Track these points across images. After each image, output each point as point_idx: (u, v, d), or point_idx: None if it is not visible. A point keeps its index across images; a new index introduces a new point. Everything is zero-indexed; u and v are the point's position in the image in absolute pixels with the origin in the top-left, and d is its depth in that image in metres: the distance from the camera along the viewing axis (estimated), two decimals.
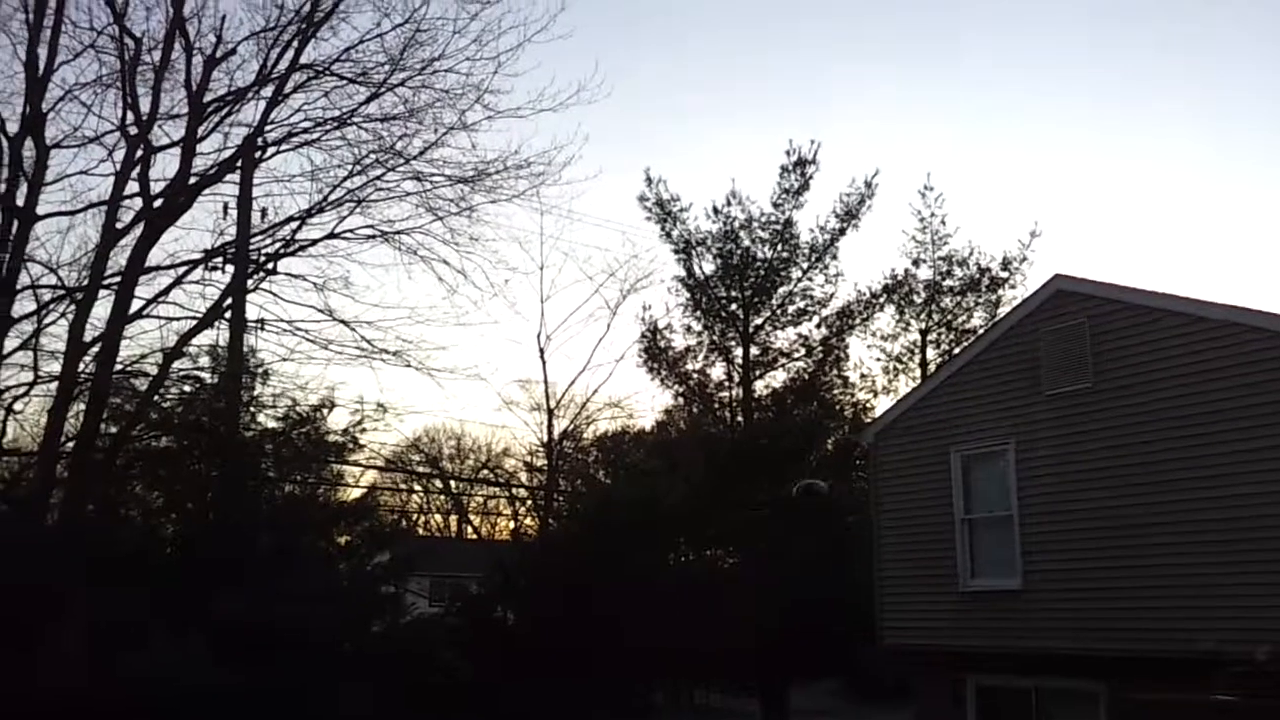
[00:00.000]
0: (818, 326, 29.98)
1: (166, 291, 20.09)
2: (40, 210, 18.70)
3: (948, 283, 31.62)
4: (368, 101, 20.48)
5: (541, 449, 32.67)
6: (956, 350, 26.35)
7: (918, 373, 31.15)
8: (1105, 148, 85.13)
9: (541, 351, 31.01)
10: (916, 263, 31.77)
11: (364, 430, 19.83)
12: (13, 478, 20.03)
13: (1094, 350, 14.39)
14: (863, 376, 31.93)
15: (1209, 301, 13.60)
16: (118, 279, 19.09)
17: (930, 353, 31.36)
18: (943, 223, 32.12)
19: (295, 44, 20.05)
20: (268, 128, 20.56)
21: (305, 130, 20.67)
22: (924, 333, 31.75)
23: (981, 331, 21.93)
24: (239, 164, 20.70)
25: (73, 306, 18.90)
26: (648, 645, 20.85)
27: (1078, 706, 14.27)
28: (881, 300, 30.81)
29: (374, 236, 21.52)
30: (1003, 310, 28.16)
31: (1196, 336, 13.37)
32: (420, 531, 48.10)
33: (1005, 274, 31.42)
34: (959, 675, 16.08)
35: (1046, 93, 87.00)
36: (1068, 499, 14.49)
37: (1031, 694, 15.27)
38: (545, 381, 31.49)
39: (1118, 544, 13.84)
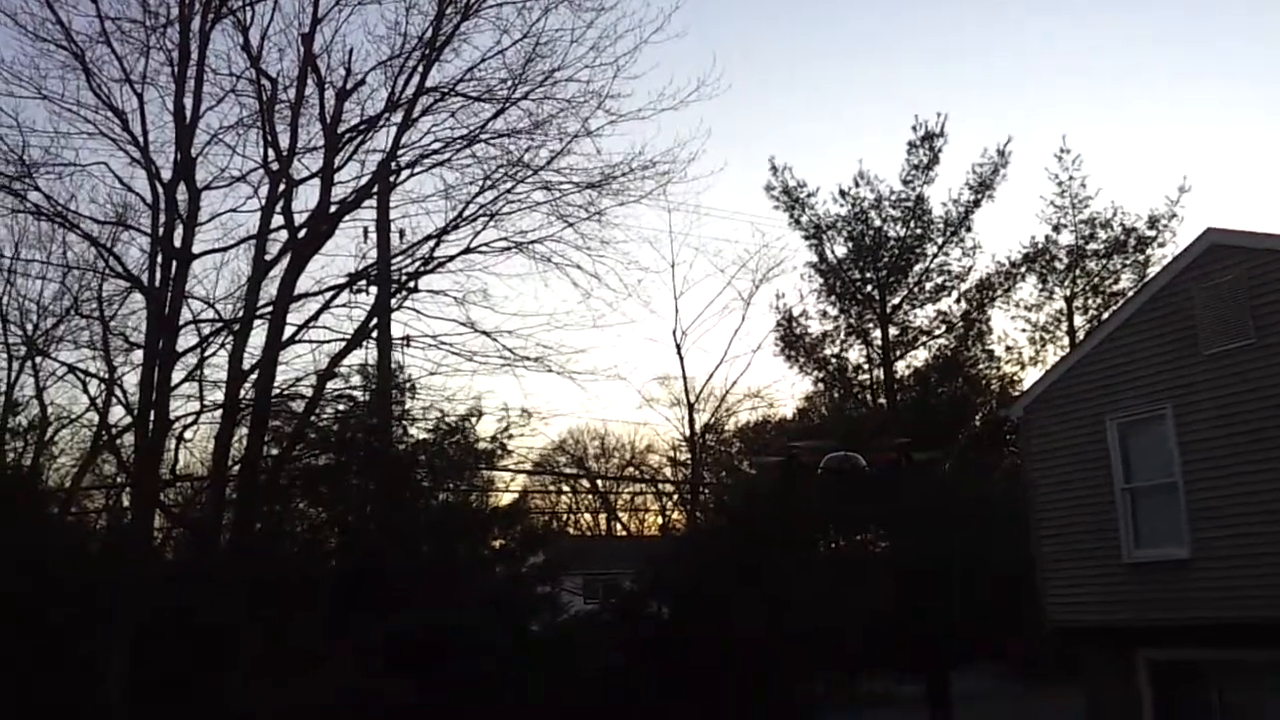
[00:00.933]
0: (957, 301, 29.32)
1: (316, 316, 20.92)
2: (195, 249, 19.68)
3: (1091, 246, 30.54)
4: (494, 118, 20.91)
5: (684, 444, 32.87)
6: (1105, 316, 25.41)
7: (1065, 341, 30.18)
8: (1255, 95, 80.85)
9: (678, 347, 31.30)
10: (1057, 228, 30.80)
11: (511, 436, 20.30)
12: (186, 503, 21.18)
13: (1254, 304, 13.76)
14: (1008, 349, 31.13)
15: None
16: (270, 308, 19.97)
17: (1078, 320, 30.36)
18: (1082, 185, 31.05)
19: (420, 69, 20.61)
20: (400, 151, 21.19)
21: (435, 151, 21.24)
22: (1069, 300, 30.75)
23: (1131, 294, 21.15)
24: (375, 189, 21.39)
25: (230, 337, 19.87)
26: (803, 634, 20.77)
27: (1256, 677, 13.68)
28: (1022, 270, 29.95)
29: (508, 248, 21.96)
30: (1152, 270, 27.04)
31: None
32: (571, 531, 48.92)
33: (1153, 233, 30.19)
34: (1128, 650, 15.58)
35: (1183, 39, 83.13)
36: (1234, 462, 13.91)
37: (1207, 667, 14.72)
38: (684, 376, 31.66)
39: None
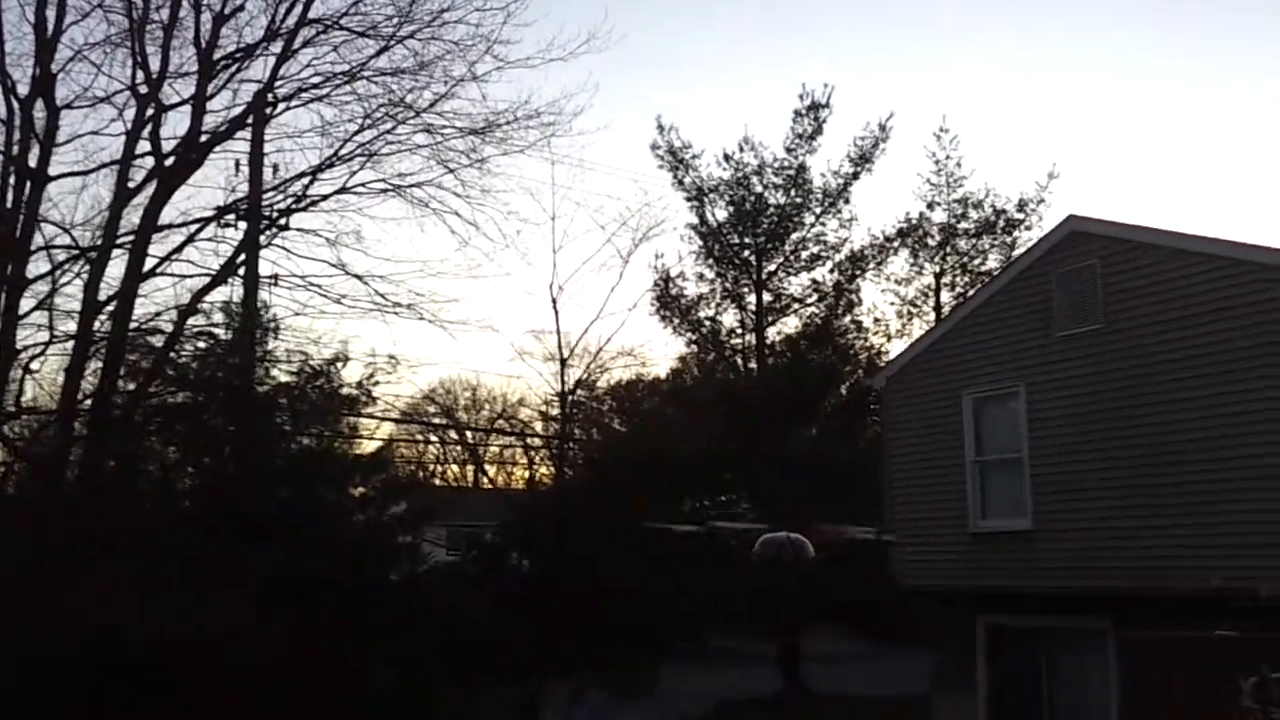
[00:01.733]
0: (831, 272, 30.05)
1: (180, 249, 20.20)
2: (52, 171, 18.78)
3: (963, 225, 31.54)
4: (377, 55, 20.43)
5: (556, 399, 32.87)
6: (971, 293, 26.30)
7: (932, 316, 31.15)
8: (1127, 87, 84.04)
9: (554, 301, 31.15)
10: (931, 206, 31.72)
11: (377, 383, 19.95)
12: (32, 436, 20.29)
13: (1106, 291, 14.36)
14: (876, 321, 31.99)
15: (1224, 240, 13.55)
16: (131, 238, 19.21)
17: (945, 296, 31.36)
18: (958, 165, 32.00)
19: None
20: (277, 83, 20.55)
21: (315, 85, 20.65)
22: (938, 276, 31.72)
23: (995, 274, 21.89)
24: (249, 120, 20.69)
25: (87, 266, 19.04)
26: (663, 591, 21.10)
27: (1086, 644, 14.43)
28: (895, 244, 30.80)
29: (386, 191, 21.54)
30: (1018, 253, 28.04)
31: (1209, 275, 13.32)
32: (437, 482, 48.54)
33: (1021, 216, 31.34)
34: (969, 614, 16.28)
35: (1064, 29, 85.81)
36: (1078, 440, 14.56)
37: (1041, 632, 15.46)
38: (558, 331, 31.57)
39: (1127, 484, 13.91)
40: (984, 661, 16.32)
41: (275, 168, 21.49)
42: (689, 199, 29.34)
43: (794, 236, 29.25)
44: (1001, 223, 31.09)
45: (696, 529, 21.85)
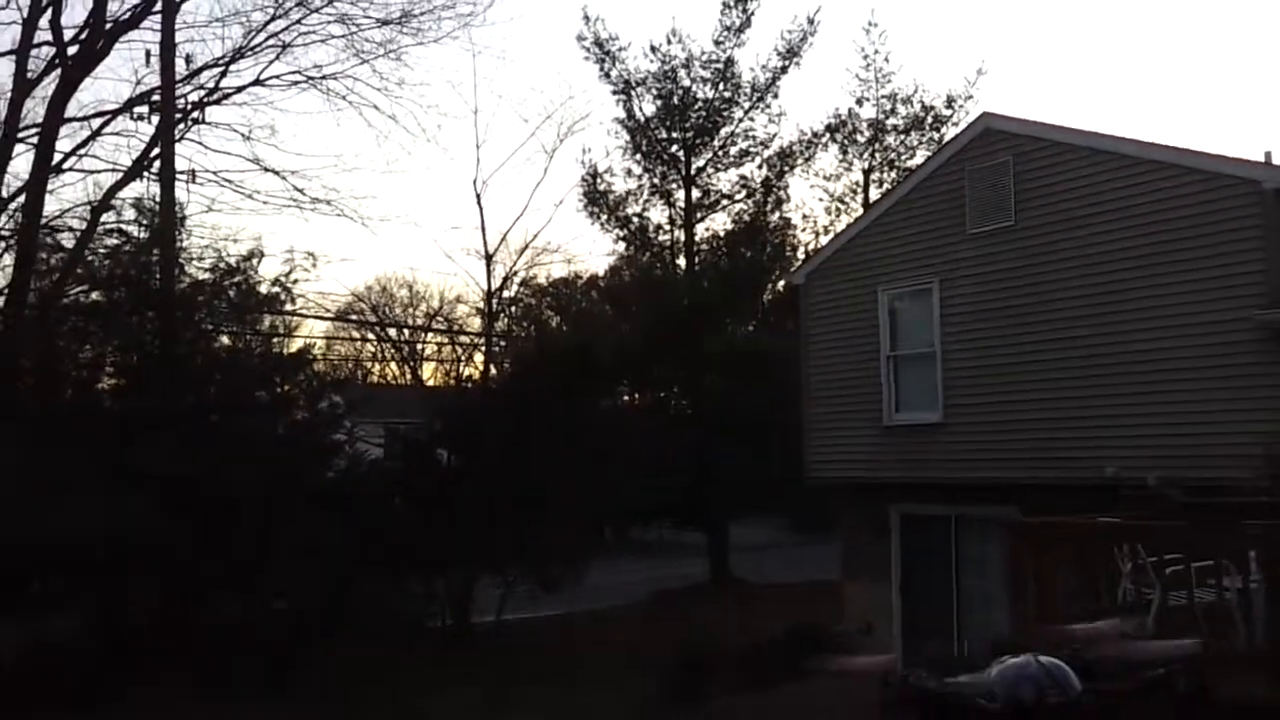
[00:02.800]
0: (759, 167, 29.92)
1: (87, 143, 19.71)
2: None
3: (891, 121, 31.49)
4: None
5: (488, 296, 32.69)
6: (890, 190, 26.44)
7: (860, 213, 31.25)
8: None
9: (478, 197, 30.88)
10: (860, 101, 31.58)
11: (295, 280, 19.78)
12: None
13: (1017, 189, 14.53)
14: (805, 217, 32.09)
15: (1133, 140, 13.70)
16: (36, 131, 18.63)
17: (873, 192, 31.40)
18: (886, 60, 31.86)
19: None
20: None
21: None
22: (867, 172, 31.76)
23: (909, 172, 21.98)
24: (155, 8, 20.01)
25: None
26: (591, 484, 21.42)
27: (986, 531, 14.94)
28: (824, 140, 30.70)
29: (300, 83, 21.09)
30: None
31: (1117, 174, 13.51)
32: (375, 380, 48.27)
33: (949, 112, 31.34)
34: (882, 504, 16.76)
35: None
36: (987, 335, 14.86)
37: (950, 521, 15.98)
38: (483, 228, 31.33)
39: (1033, 378, 14.28)
40: (896, 549, 16.88)
41: (188, 58, 20.92)
42: (616, 92, 28.96)
43: (723, 132, 29.04)
44: (930, 119, 31.11)
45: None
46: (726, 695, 15.15)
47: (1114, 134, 13.89)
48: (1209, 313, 12.55)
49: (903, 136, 31.55)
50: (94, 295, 18.71)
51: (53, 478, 15.08)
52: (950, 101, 31.23)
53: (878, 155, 31.62)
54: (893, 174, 31.28)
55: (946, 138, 30.79)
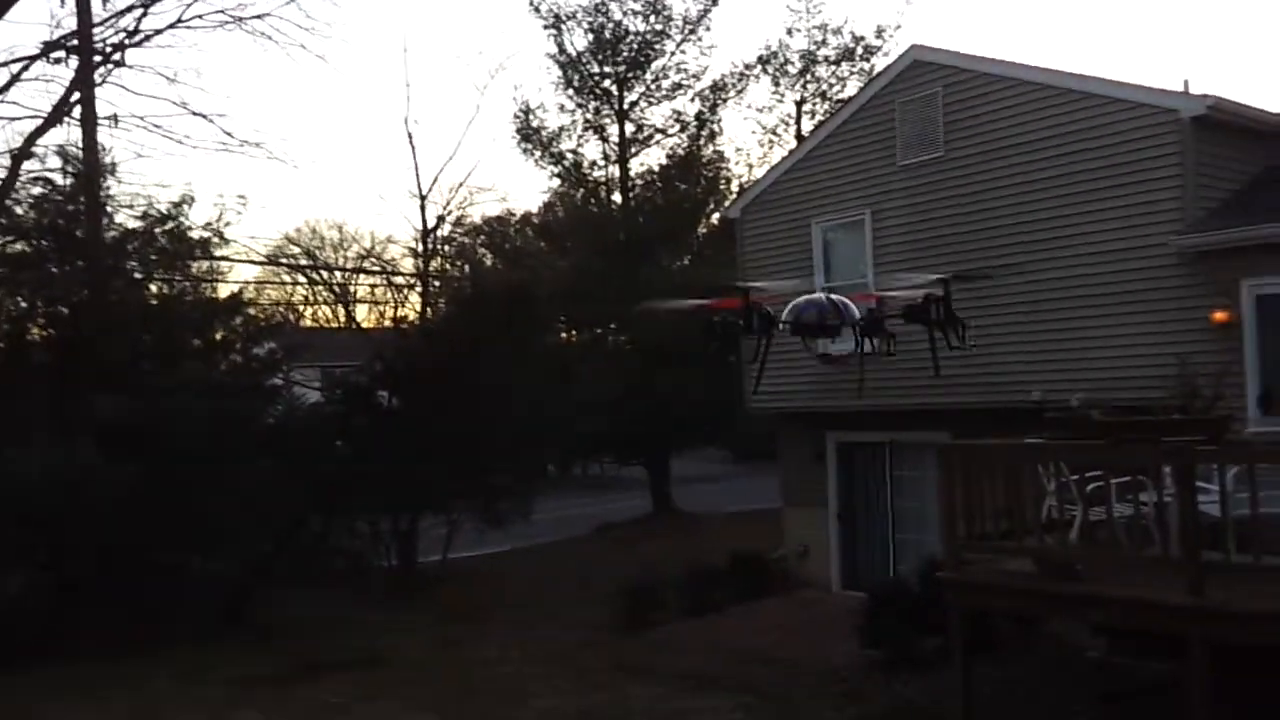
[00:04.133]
0: (692, 101, 29.93)
1: (5, 88, 19.13)
2: None
3: (822, 52, 31.62)
4: None
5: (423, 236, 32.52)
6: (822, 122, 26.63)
7: (794, 145, 31.44)
8: None
9: (410, 136, 30.56)
10: (790, 32, 31.63)
11: (227, 224, 19.53)
12: None
13: (946, 120, 14.79)
14: (738, 150, 32.24)
15: (1058, 70, 13.98)
16: None
17: (805, 124, 31.61)
18: None
19: None
20: None
21: None
22: (799, 104, 31.91)
23: (840, 104, 22.15)
24: None
25: None
26: (532, 421, 21.61)
27: (919, 455, 15.43)
28: (755, 72, 30.77)
29: (226, 23, 20.62)
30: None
31: (1042, 104, 13.83)
32: (308, 323, 47.80)
33: (879, 43, 31.51)
34: (819, 433, 17.19)
35: None
36: (920, 266, 15.12)
37: (885, 447, 16.46)
38: (415, 167, 30.99)
39: (963, 306, 14.62)
40: (833, 475, 17.37)
41: None
42: (547, 27, 28.70)
43: (655, 65, 28.95)
44: (860, 50, 31.30)
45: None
46: (673, 622, 15.60)
47: (1040, 65, 14.19)
48: (1130, 239, 12.99)
49: (834, 67, 31.72)
50: (19, 246, 18.33)
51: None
52: (880, 32, 31.45)
53: (809, 87, 31.78)
54: (825, 105, 31.49)
55: (877, 68, 31.04)
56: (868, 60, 31.31)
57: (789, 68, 31.42)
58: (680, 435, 30.39)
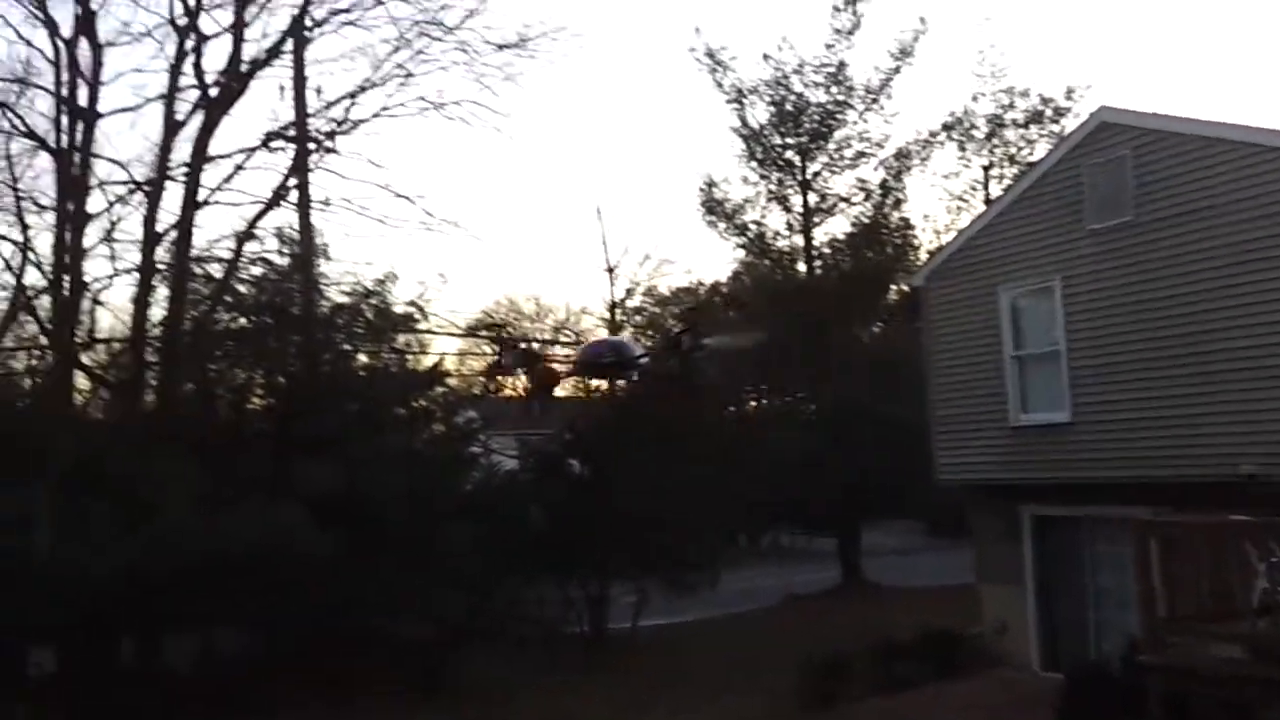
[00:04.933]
0: (876, 169, 29.80)
1: (231, 177, 20.84)
2: (101, 109, 19.44)
3: (1009, 115, 30.90)
4: None
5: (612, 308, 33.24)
6: (1007, 188, 26.04)
7: (981, 210, 30.85)
8: None
9: (598, 211, 31.40)
10: (976, 98, 31.09)
11: (428, 299, 20.60)
12: (109, 363, 21.29)
13: (1136, 183, 14.27)
14: (925, 217, 31.79)
15: (1253, 127, 13.37)
16: (184, 169, 19.82)
17: (994, 189, 30.90)
18: (1002, 54, 31.38)
19: None
20: (311, 6, 20.89)
21: (347, 10, 20.95)
22: (986, 169, 31.27)
23: (1027, 169, 21.62)
24: (287, 46, 21.08)
25: (144, 199, 19.73)
26: (722, 491, 21.69)
27: (1122, 531, 14.70)
28: (941, 138, 30.36)
29: (426, 109, 21.95)
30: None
31: (1240, 165, 13.16)
32: (506, 392, 49.31)
33: (1069, 103, 30.60)
34: (1013, 506, 16.61)
35: None
36: (1114, 332, 14.62)
37: (1083, 521, 15.76)
38: (604, 241, 31.83)
39: (1163, 374, 14.01)
40: (1030, 551, 16.68)
41: (319, 90, 21.96)
42: (729, 101, 29.20)
43: (837, 135, 29.03)
44: (1050, 111, 30.47)
45: None
46: (863, 698, 15.25)
47: (1235, 123, 13.59)
48: None
49: (1022, 130, 30.97)
50: (242, 321, 19.78)
51: (212, 496, 16.12)
52: (1069, 93, 30.56)
53: (997, 151, 31.12)
54: (1014, 169, 30.72)
55: (1068, 129, 30.21)
56: (1057, 122, 30.48)
57: (975, 132, 30.89)
58: (871, 506, 29.85)
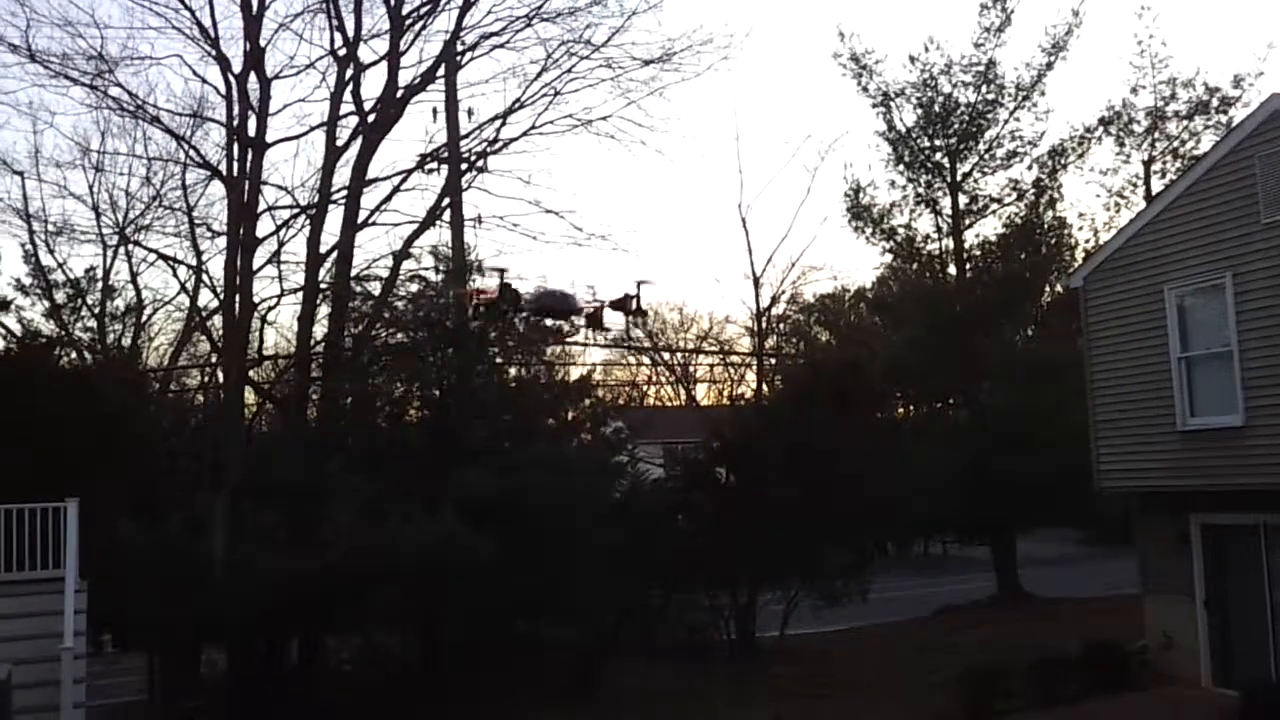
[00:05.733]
0: (1029, 168, 28.96)
1: (388, 199, 21.63)
2: (269, 138, 20.40)
3: (1171, 108, 29.59)
4: None
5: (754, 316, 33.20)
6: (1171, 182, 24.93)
7: (1142, 207, 29.65)
8: None
9: (743, 221, 31.35)
10: (1135, 90, 29.86)
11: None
12: (275, 379, 22.33)
13: None
14: (1081, 216, 30.75)
15: None
16: (344, 192, 20.65)
17: (1156, 184, 29.66)
18: (1163, 44, 30.21)
19: None
20: (463, 32, 21.50)
21: (497, 33, 21.54)
22: (1147, 164, 29.98)
23: (1193, 161, 20.67)
24: (440, 71, 21.73)
25: (307, 223, 20.64)
26: (868, 499, 21.38)
27: None
28: (1098, 133, 29.28)
29: (574, 126, 22.37)
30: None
31: None
32: (651, 402, 49.74)
33: (1238, 92, 29.08)
34: (1181, 514, 15.91)
35: None
36: None
37: (1260, 529, 15.00)
38: (749, 250, 31.83)
39: None
40: (1199, 561, 15.94)
41: (470, 112, 22.53)
42: (875, 105, 28.83)
43: (988, 135, 28.32)
44: (1216, 101, 29.02)
45: None
46: (1021, 712, 14.82)
47: None
48: None
49: (1185, 123, 29.60)
50: (399, 337, 20.47)
51: (374, 503, 16.71)
52: (1238, 81, 29.04)
53: (1158, 145, 29.83)
54: (1177, 164, 29.43)
55: (1237, 120, 28.77)
56: (1225, 112, 29.01)
57: (1134, 126, 29.68)
58: (1027, 514, 28.95)
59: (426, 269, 21.10)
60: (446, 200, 21.52)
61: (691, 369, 49.21)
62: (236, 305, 19.62)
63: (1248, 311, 14.50)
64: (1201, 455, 15.23)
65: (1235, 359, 14.65)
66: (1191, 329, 15.43)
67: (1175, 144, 29.74)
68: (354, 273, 20.89)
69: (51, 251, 27.47)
